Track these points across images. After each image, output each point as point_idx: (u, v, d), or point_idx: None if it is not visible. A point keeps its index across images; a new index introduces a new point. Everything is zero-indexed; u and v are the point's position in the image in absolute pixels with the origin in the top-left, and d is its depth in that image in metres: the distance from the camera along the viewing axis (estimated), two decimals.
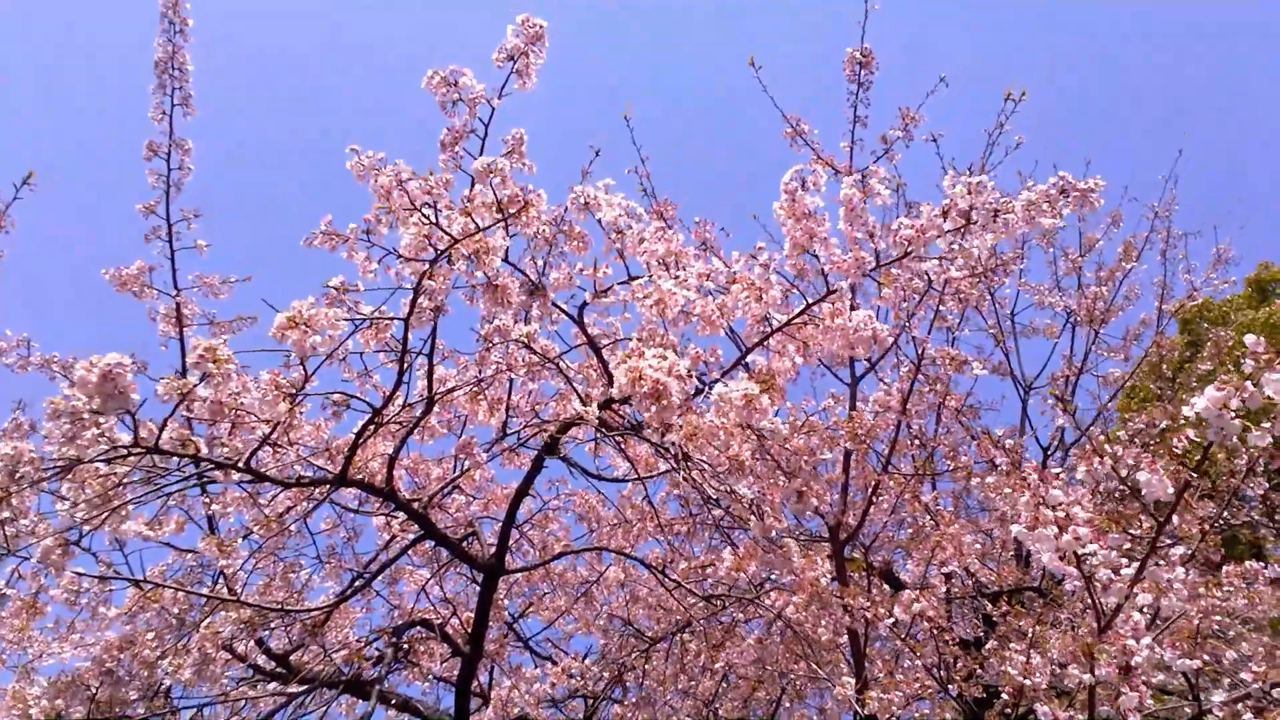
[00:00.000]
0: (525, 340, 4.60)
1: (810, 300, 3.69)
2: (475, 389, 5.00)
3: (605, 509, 6.70)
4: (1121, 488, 3.03)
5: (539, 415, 5.43)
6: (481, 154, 3.84)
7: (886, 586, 6.36)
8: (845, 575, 5.57)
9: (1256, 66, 22.82)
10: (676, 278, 3.82)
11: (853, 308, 3.71)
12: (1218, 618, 4.26)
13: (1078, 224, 8.79)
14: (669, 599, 6.12)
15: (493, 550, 4.81)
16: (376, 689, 4.58)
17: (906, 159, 5.89)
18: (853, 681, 4.77)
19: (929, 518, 6.14)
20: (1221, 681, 4.45)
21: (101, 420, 3.23)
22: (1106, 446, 3.08)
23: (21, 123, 18.74)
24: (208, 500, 5.13)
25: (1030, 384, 8.26)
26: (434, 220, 3.59)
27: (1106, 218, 8.80)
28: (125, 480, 3.62)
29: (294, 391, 3.59)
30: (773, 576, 5.42)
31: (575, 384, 4.89)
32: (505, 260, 4.06)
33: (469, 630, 5.06)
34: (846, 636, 5.32)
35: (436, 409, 5.12)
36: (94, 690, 4.64)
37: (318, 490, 4.48)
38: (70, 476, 3.53)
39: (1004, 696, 4.13)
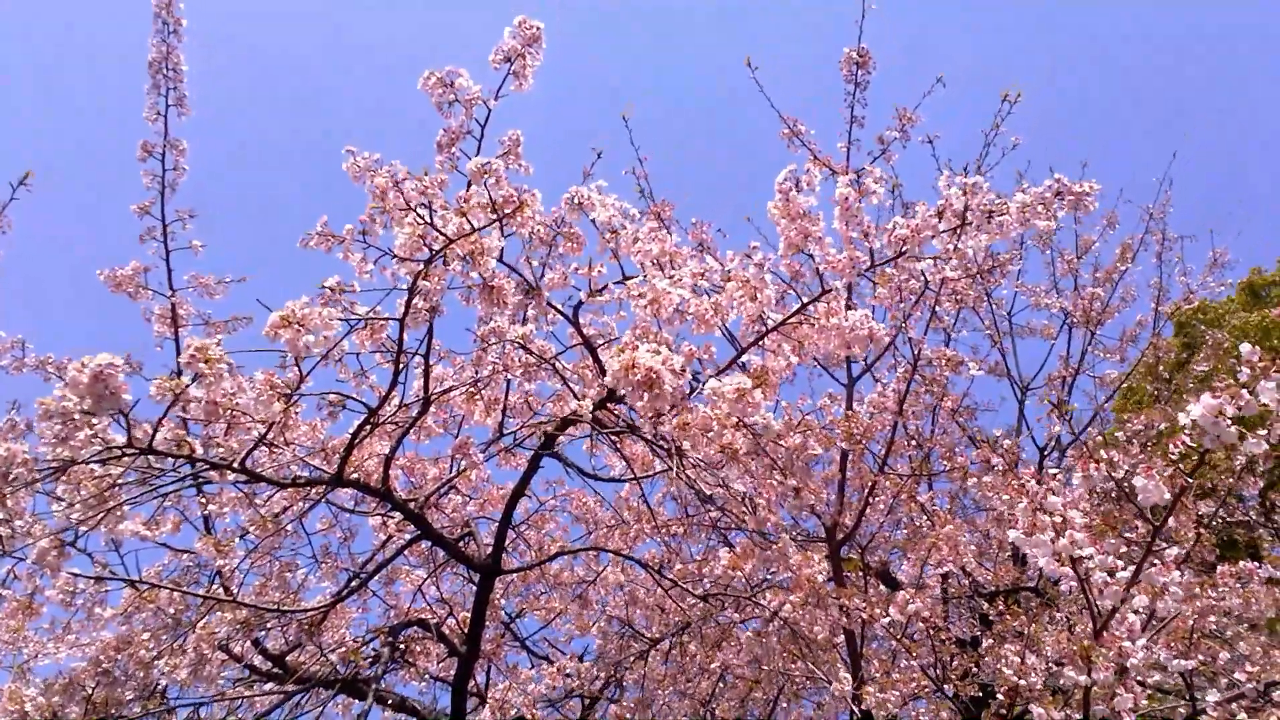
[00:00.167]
0: (521, 341, 4.61)
1: (805, 300, 3.69)
2: (472, 389, 5.00)
3: (602, 510, 6.71)
4: (1117, 490, 3.04)
5: (536, 415, 5.43)
6: (478, 155, 3.85)
7: (883, 587, 6.36)
8: (842, 575, 5.57)
9: (1254, 69, 22.85)
10: (671, 277, 3.82)
11: (849, 307, 3.71)
12: (1213, 619, 4.26)
13: (1074, 225, 8.80)
14: (666, 600, 6.12)
15: (489, 550, 4.82)
16: (373, 689, 4.58)
17: (904, 160, 5.91)
18: (849, 678, 4.78)
19: (925, 518, 6.15)
20: (1218, 681, 4.46)
21: (95, 421, 3.22)
22: (1102, 451, 3.09)
23: (19, 123, 18.74)
24: (204, 501, 5.13)
25: (1027, 385, 8.26)
26: (428, 220, 3.59)
27: (1103, 219, 8.81)
28: (120, 481, 3.62)
29: (289, 392, 3.59)
30: (769, 576, 5.42)
31: (571, 384, 4.89)
32: (501, 261, 4.07)
33: (465, 630, 5.06)
34: (843, 636, 5.32)
35: (433, 409, 5.12)
36: (90, 690, 4.64)
37: (314, 490, 4.48)
38: (65, 477, 3.52)
39: (999, 696, 4.14)
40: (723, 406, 3.16)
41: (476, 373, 4.93)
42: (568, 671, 5.65)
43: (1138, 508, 2.99)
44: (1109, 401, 8.67)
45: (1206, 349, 9.88)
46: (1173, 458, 2.78)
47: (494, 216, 3.64)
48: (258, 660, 5.46)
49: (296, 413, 4.37)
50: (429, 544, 5.54)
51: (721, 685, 6.30)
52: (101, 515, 3.60)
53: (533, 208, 3.72)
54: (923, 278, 5.21)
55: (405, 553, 5.52)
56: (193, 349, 3.06)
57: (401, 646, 5.53)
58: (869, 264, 3.68)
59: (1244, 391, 2.49)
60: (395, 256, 3.73)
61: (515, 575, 6.48)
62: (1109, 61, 24.34)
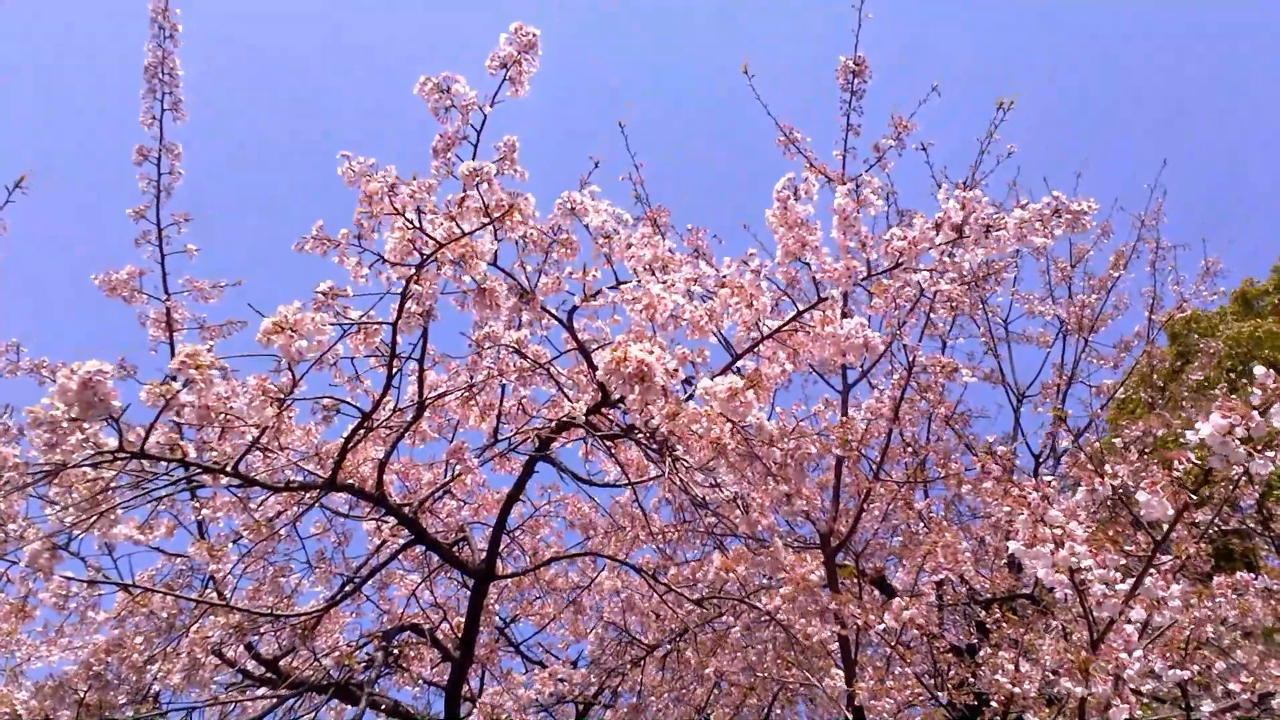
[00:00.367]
0: (516, 345, 4.60)
1: (801, 307, 3.69)
2: (466, 394, 4.99)
3: (598, 515, 6.70)
4: (1115, 499, 3.04)
5: (530, 420, 5.43)
6: (474, 160, 3.84)
7: (878, 593, 6.36)
8: (836, 582, 5.56)
9: (1251, 70, 22.90)
10: (665, 282, 3.82)
11: (845, 315, 3.71)
12: (1209, 629, 4.26)
13: (1068, 234, 8.79)
14: (662, 606, 6.12)
15: (483, 555, 4.81)
16: (366, 694, 4.56)
17: (899, 165, 5.90)
18: (842, 673, 4.78)
19: (922, 524, 6.15)
20: (1214, 690, 4.46)
21: (87, 425, 3.21)
22: (1104, 465, 3.09)
23: (15, 125, 18.71)
24: (197, 505, 5.12)
25: (1023, 392, 8.26)
26: (417, 224, 3.59)
27: (1097, 228, 8.81)
28: (113, 485, 3.61)
29: (282, 396, 3.58)
30: (764, 581, 5.42)
31: (566, 389, 4.89)
32: (495, 266, 4.06)
33: (459, 635, 5.05)
34: (838, 643, 5.32)
35: (427, 414, 5.11)
36: (82, 694, 4.63)
37: (308, 495, 4.48)
38: (57, 481, 3.51)
39: (994, 704, 4.13)
40: (714, 405, 3.16)
41: (471, 377, 4.92)
42: (560, 676, 5.64)
43: (1135, 517, 2.99)
44: (1104, 410, 8.67)
45: (1201, 358, 9.90)
46: (1176, 474, 2.79)
47: (485, 220, 3.64)
48: (251, 665, 5.44)
49: (290, 417, 4.36)
50: (423, 549, 5.53)
51: (717, 692, 6.29)
52: (94, 519, 3.59)
53: (524, 212, 3.71)
54: (917, 284, 5.21)
55: (399, 557, 5.51)
56: (184, 355, 3.06)
57: (395, 651, 5.51)
58: (865, 274, 3.68)
59: (1255, 413, 2.50)
60: (387, 261, 3.72)
61: (510, 580, 6.47)
62: (1107, 61, 24.39)
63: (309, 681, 5.11)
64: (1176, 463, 2.78)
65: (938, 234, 3.41)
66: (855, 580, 6.21)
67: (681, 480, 4.13)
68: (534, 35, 3.94)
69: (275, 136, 22.61)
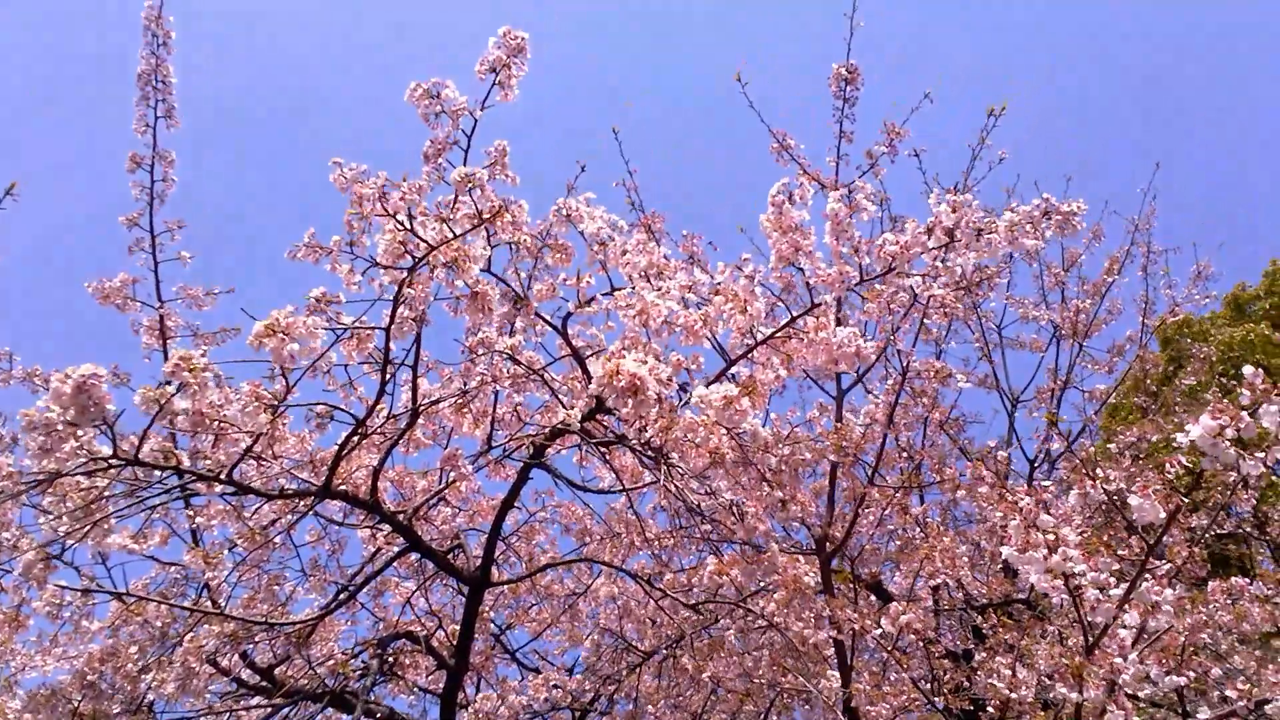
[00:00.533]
0: (510, 352, 4.60)
1: (794, 314, 3.69)
2: (460, 401, 4.99)
3: (593, 522, 6.69)
4: (1109, 504, 3.04)
5: (525, 427, 5.42)
6: (464, 165, 3.85)
7: (874, 598, 6.35)
8: (832, 587, 5.56)
9: (1247, 74, 23.00)
10: (659, 289, 3.83)
11: (839, 321, 3.72)
12: (1205, 635, 4.26)
13: (1060, 239, 8.81)
14: (658, 612, 6.11)
15: (478, 562, 4.80)
16: (361, 702, 4.55)
17: (892, 172, 5.91)
18: (838, 678, 4.78)
19: (918, 529, 6.15)
20: (1210, 696, 4.46)
21: (80, 432, 3.21)
22: (1096, 470, 3.10)
23: (6, 132, 18.70)
24: (191, 514, 5.11)
25: (1017, 397, 8.27)
26: (408, 226, 3.59)
27: (1089, 233, 8.83)
28: (107, 493, 3.60)
29: (275, 403, 3.58)
30: (760, 586, 5.42)
31: (560, 396, 4.89)
32: (488, 271, 4.07)
33: (455, 643, 5.04)
34: (833, 649, 5.31)
35: (421, 421, 5.11)
36: (76, 703, 4.61)
37: (302, 502, 4.47)
38: (51, 489, 3.51)
39: (990, 710, 4.13)
40: (710, 414, 3.16)
41: (465, 384, 4.92)
42: (554, 683, 5.63)
43: (1129, 522, 2.99)
44: (1097, 415, 8.69)
45: (1193, 363, 9.91)
46: (1168, 477, 2.79)
47: (477, 222, 3.64)
48: (245, 673, 5.43)
49: (284, 424, 4.35)
50: (418, 556, 5.52)
51: (713, 698, 6.28)
52: (88, 528, 3.58)
53: (518, 217, 3.71)
54: (911, 290, 5.22)
55: (394, 565, 5.50)
56: (177, 358, 3.05)
57: (390, 659, 5.50)
58: (858, 279, 3.69)
59: (1244, 414, 2.50)
60: (379, 264, 3.72)
61: (505, 587, 6.46)
62: (1102, 63, 24.47)
63: (304, 690, 5.10)
64: (1168, 466, 2.79)
65: (929, 238, 3.42)
66: (851, 585, 6.21)
67: (677, 487, 4.13)
68: (523, 39, 3.94)
69: (269, 142, 22.60)
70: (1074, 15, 23.46)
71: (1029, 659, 4.35)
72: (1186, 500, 2.76)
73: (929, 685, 4.98)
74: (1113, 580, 2.97)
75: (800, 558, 4.75)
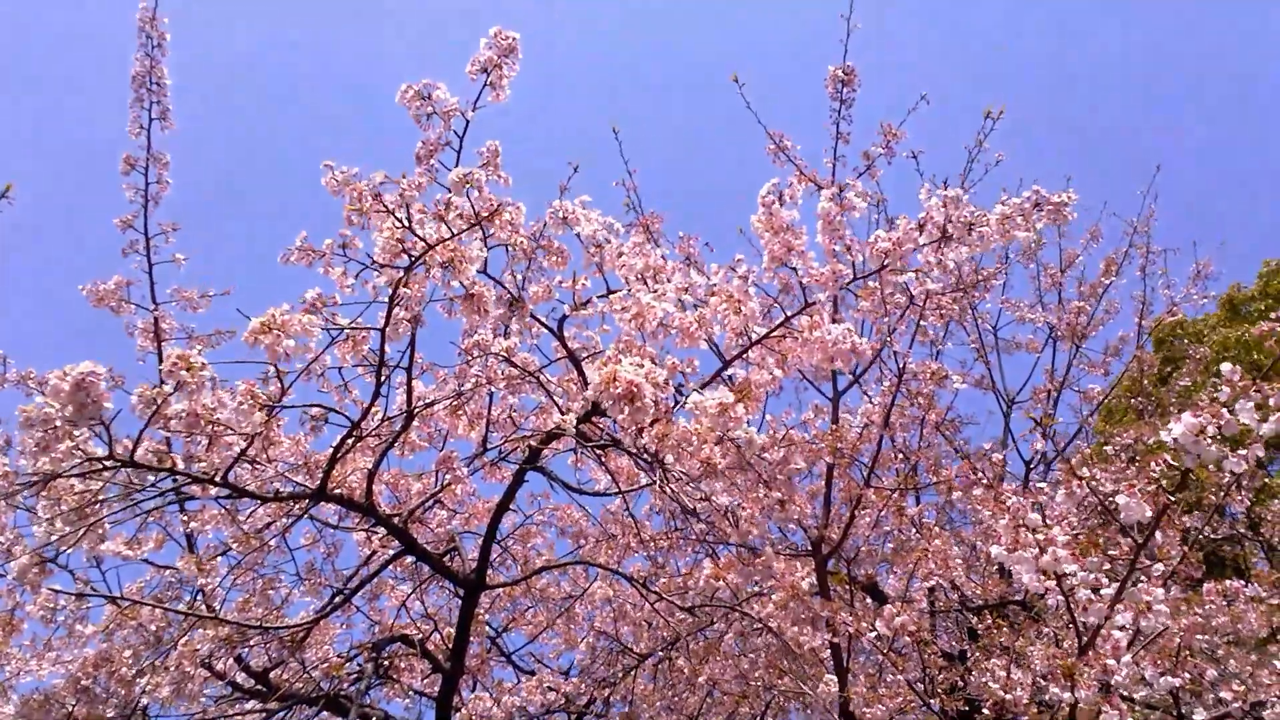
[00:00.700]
0: (505, 354, 4.60)
1: (789, 313, 3.70)
2: (455, 403, 4.98)
3: (589, 524, 6.69)
4: (1101, 507, 3.05)
5: (519, 429, 5.42)
6: (458, 166, 3.84)
7: (870, 600, 6.35)
8: (828, 589, 5.56)
9: (1245, 76, 23.06)
10: (655, 291, 3.83)
11: (835, 321, 3.72)
12: (1201, 636, 4.26)
13: (1058, 240, 8.84)
14: (654, 614, 6.10)
15: (474, 565, 4.79)
16: (356, 706, 4.54)
17: (890, 174, 5.91)
18: (834, 680, 4.78)
19: (915, 530, 6.15)
20: (1205, 698, 4.46)
21: (76, 433, 3.20)
22: (1084, 470, 3.10)
23: (7, 133, 18.67)
24: (186, 518, 5.10)
25: (1013, 398, 8.29)
26: (407, 224, 3.58)
27: (1087, 233, 8.85)
28: (102, 496, 3.60)
29: (271, 404, 3.57)
30: (756, 589, 5.41)
31: (556, 398, 4.89)
32: (484, 273, 4.06)
33: (450, 646, 5.03)
34: (829, 651, 5.31)
35: (416, 423, 5.10)
36: (70, 708, 4.60)
37: (297, 506, 4.46)
38: (46, 492, 3.50)
39: (985, 711, 4.13)
40: (705, 421, 3.16)
41: (460, 386, 4.91)
42: (549, 686, 5.62)
43: (1120, 525, 2.99)
44: (1093, 416, 8.70)
45: (1189, 364, 9.92)
46: (1154, 476, 2.79)
47: (473, 222, 3.64)
48: (240, 678, 5.42)
49: (279, 427, 4.34)
50: (413, 559, 5.51)
51: (709, 700, 6.28)
52: (83, 531, 3.57)
53: (515, 218, 3.71)
54: (907, 291, 5.22)
55: (390, 568, 5.49)
56: (175, 357, 3.05)
57: (385, 663, 5.50)
58: (852, 277, 3.69)
59: (1224, 410, 2.51)
60: (375, 264, 3.72)
61: (501, 590, 6.46)
62: (1102, 64, 24.50)
63: (299, 694, 5.09)
64: (1154, 464, 2.79)
65: (921, 234, 3.43)
66: (847, 587, 6.21)
67: (672, 490, 4.13)
68: (514, 39, 3.93)
69: (265, 143, 22.57)
70: (1072, 19, 23.50)
71: (1024, 660, 4.35)
72: (1174, 500, 2.76)
73: (924, 687, 4.98)
74: (1104, 580, 2.97)
75: (798, 563, 4.76)
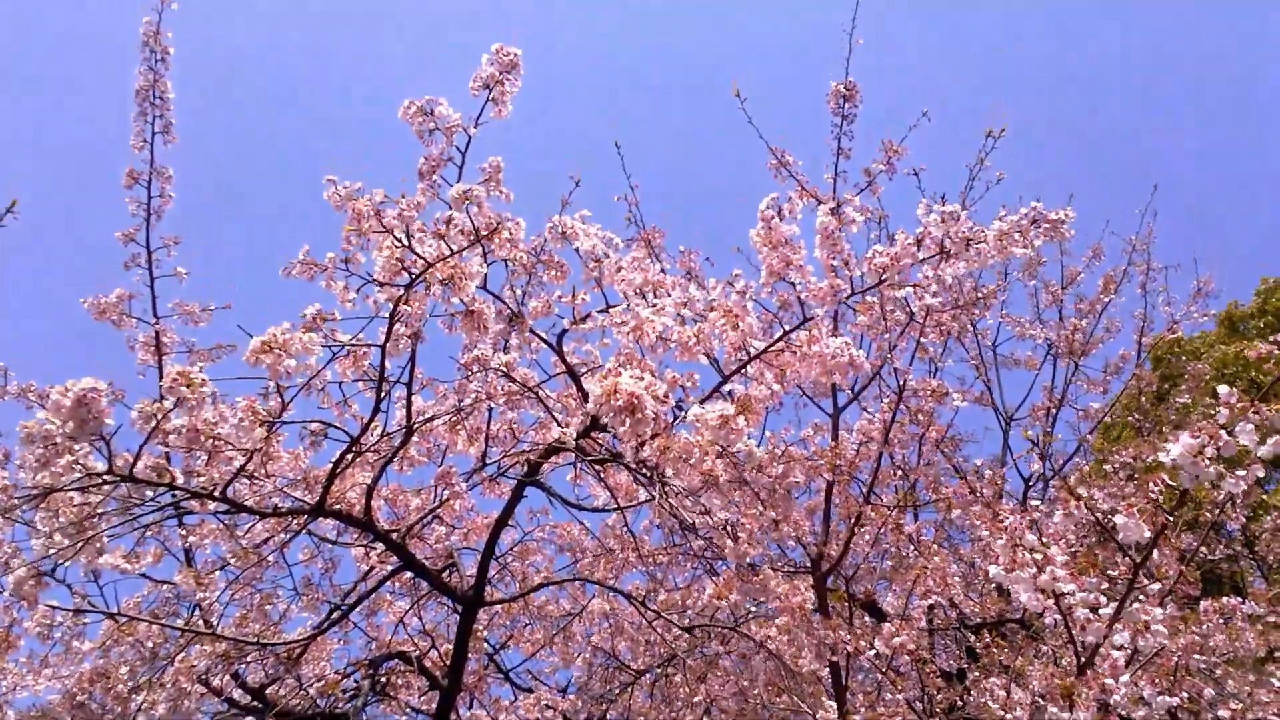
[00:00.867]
0: (504, 369, 4.60)
1: (787, 328, 3.70)
2: (454, 418, 4.98)
3: (588, 540, 6.68)
4: (1099, 526, 3.05)
5: (519, 444, 5.42)
6: (460, 182, 3.86)
7: (868, 618, 6.34)
8: (827, 606, 5.55)
9: (1244, 85, 23.13)
10: (654, 305, 3.84)
11: (834, 335, 3.73)
12: (1198, 655, 4.26)
13: (1059, 257, 8.86)
14: (652, 632, 6.09)
15: (472, 582, 4.79)
16: None
17: (891, 191, 5.92)
18: (834, 704, 4.76)
19: (913, 547, 6.14)
20: (1203, 717, 4.45)
21: (76, 448, 3.20)
22: (1082, 489, 3.11)
23: (3, 147, 18.71)
24: (184, 532, 5.09)
25: (1012, 415, 8.29)
26: (406, 243, 3.59)
27: (1088, 251, 8.86)
28: (100, 510, 3.59)
29: (271, 420, 3.57)
30: (753, 608, 5.40)
31: (555, 413, 4.89)
32: (484, 289, 4.07)
33: (448, 663, 5.02)
34: (828, 669, 5.30)
35: (415, 438, 5.10)
36: None
37: (295, 521, 4.46)
38: (44, 505, 3.50)
39: None
40: (705, 433, 3.16)
41: (459, 401, 4.92)
42: (546, 703, 5.60)
43: (1118, 544, 2.99)
44: (1091, 434, 8.70)
45: (1187, 381, 9.93)
46: (1153, 496, 2.80)
47: (473, 239, 3.65)
48: (237, 694, 5.40)
49: (278, 442, 4.34)
50: (412, 575, 5.50)
51: (706, 718, 6.26)
52: (81, 546, 3.57)
53: (515, 234, 3.72)
54: (906, 306, 5.23)
55: (388, 584, 5.48)
56: (175, 373, 3.05)
57: (382, 679, 5.48)
58: (850, 292, 3.70)
59: (1223, 432, 2.51)
60: (375, 282, 3.73)
61: (499, 607, 6.44)
62: (1102, 78, 24.57)
63: (296, 711, 5.08)
64: (1153, 484, 2.79)
65: (920, 249, 3.44)
66: (846, 604, 6.19)
67: (671, 505, 4.13)
68: (515, 55, 3.96)
69: (265, 144, 22.59)
70: (1072, 22, 23.58)
71: (1023, 679, 4.34)
72: (1172, 519, 2.77)
73: (923, 706, 4.97)
74: (1103, 599, 2.97)
75: (798, 583, 4.75)
